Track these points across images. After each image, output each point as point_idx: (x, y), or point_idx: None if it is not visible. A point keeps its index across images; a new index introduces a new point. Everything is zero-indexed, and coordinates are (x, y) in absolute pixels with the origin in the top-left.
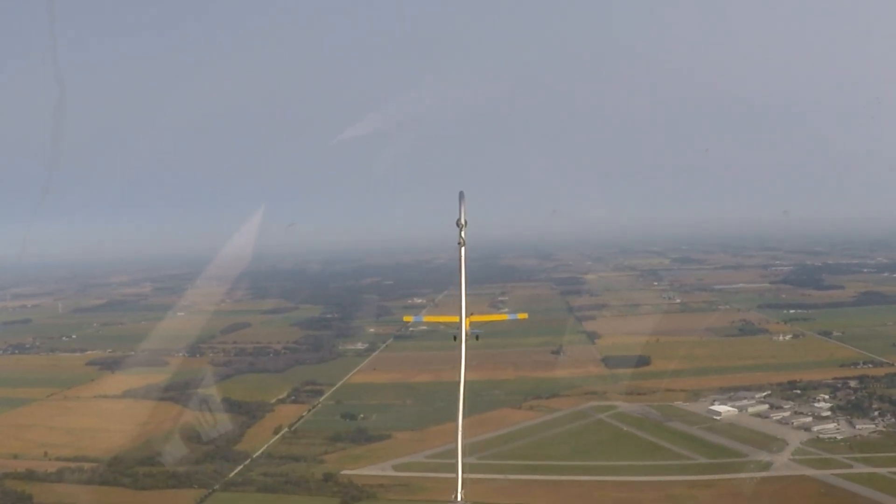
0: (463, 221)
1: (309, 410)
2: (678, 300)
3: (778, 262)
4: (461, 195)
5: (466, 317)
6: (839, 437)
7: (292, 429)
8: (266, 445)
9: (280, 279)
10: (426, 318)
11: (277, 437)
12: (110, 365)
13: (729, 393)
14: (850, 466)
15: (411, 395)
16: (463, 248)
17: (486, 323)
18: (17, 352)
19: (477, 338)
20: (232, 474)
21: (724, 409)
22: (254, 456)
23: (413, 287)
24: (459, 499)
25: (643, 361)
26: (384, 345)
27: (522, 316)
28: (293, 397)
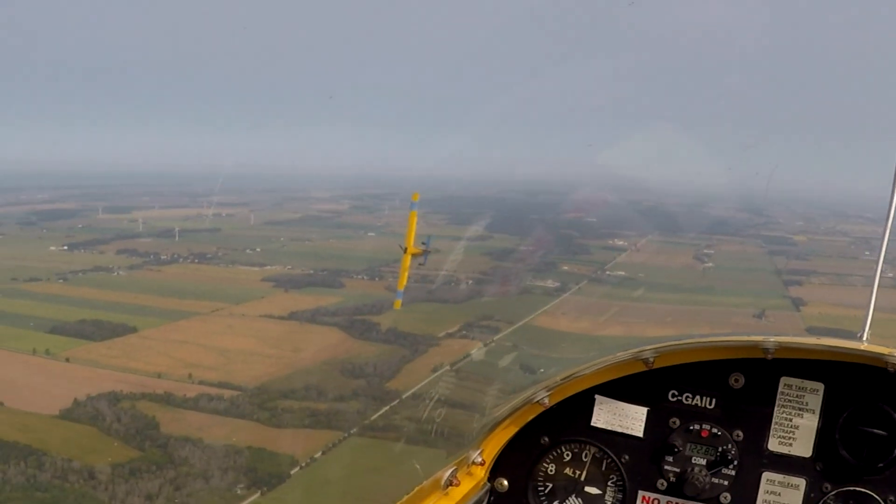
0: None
1: (478, 349)
2: (889, 274)
3: None
4: None
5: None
6: None
7: (454, 368)
8: (419, 385)
9: (480, 206)
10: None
11: (435, 376)
12: (285, 283)
13: None
14: None
15: (595, 349)
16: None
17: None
18: (197, 261)
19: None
20: (374, 416)
21: None
22: (403, 397)
23: (616, 227)
24: None
25: (850, 336)
26: (577, 286)
27: (415, 197)
28: (464, 332)
